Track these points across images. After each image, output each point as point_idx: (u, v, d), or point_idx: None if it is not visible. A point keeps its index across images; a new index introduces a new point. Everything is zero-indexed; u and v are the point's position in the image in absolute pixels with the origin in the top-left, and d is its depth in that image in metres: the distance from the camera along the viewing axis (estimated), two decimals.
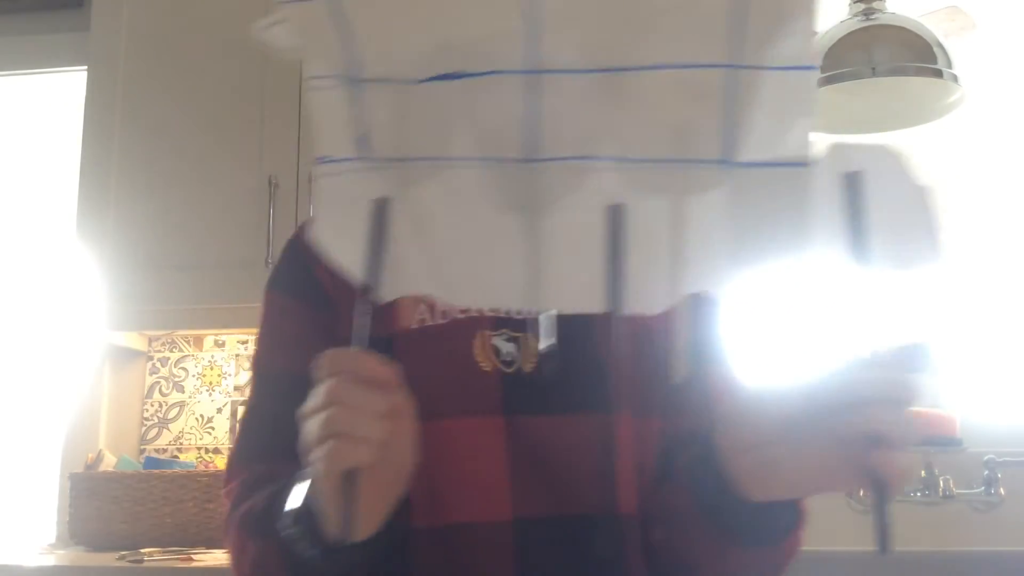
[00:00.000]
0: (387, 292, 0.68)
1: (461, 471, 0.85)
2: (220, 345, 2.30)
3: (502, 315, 0.91)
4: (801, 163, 0.64)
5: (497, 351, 0.89)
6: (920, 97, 1.71)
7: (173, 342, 2.32)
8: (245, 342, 2.29)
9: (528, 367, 0.89)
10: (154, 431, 2.29)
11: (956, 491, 1.74)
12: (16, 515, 2.39)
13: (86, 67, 2.16)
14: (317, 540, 0.73)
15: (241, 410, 2.24)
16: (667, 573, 0.88)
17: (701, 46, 0.63)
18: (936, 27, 1.65)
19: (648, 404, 0.90)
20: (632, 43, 0.64)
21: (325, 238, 0.69)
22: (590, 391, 0.88)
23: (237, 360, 2.29)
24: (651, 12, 0.64)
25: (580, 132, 0.66)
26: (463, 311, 0.90)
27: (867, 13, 1.66)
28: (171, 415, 2.29)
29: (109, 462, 2.08)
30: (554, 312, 0.79)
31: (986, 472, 1.75)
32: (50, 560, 1.84)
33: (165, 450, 2.27)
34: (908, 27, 1.64)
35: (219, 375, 2.29)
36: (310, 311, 0.94)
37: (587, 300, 0.66)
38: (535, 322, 0.89)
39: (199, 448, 2.25)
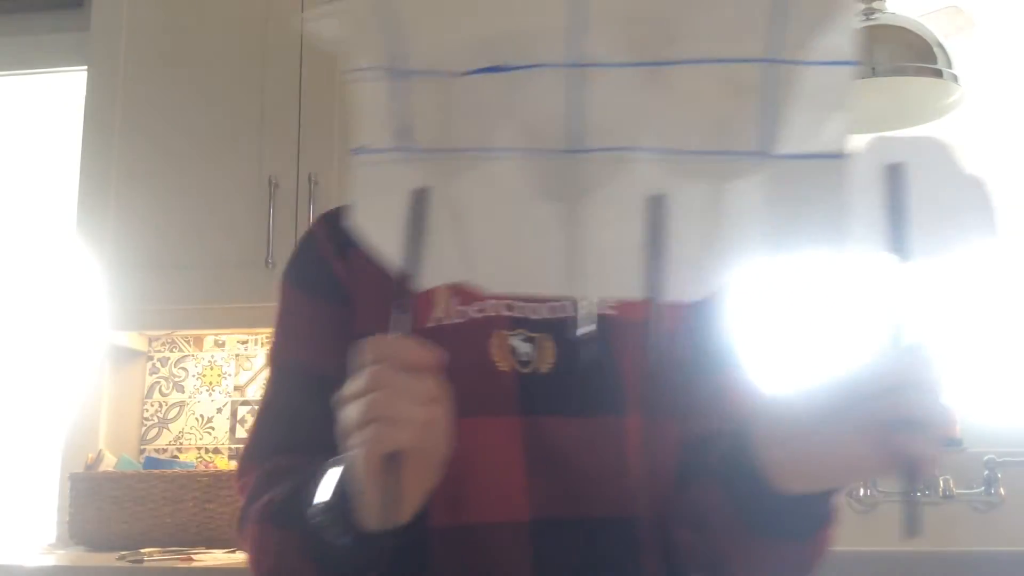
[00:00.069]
0: (426, 280, 0.69)
1: (478, 471, 0.85)
2: (220, 345, 2.30)
3: (519, 315, 0.91)
4: (838, 155, 0.65)
5: (514, 351, 0.89)
6: (920, 97, 1.71)
7: (173, 342, 2.32)
8: (245, 342, 2.29)
9: (545, 368, 0.89)
10: (154, 431, 2.29)
11: (956, 491, 1.74)
12: (16, 515, 2.39)
13: (86, 67, 2.16)
14: (349, 528, 0.73)
15: (241, 410, 2.25)
16: (691, 573, 0.89)
17: (742, 41, 0.65)
18: (936, 27, 1.65)
19: (663, 407, 0.90)
20: (674, 38, 0.66)
21: (364, 226, 0.70)
22: (606, 393, 0.89)
23: (237, 360, 2.29)
24: (693, 8, 0.65)
25: (622, 124, 0.67)
26: (480, 311, 0.90)
27: (867, 13, 1.66)
28: (171, 415, 2.29)
29: (109, 462, 2.08)
30: (595, 299, 0.80)
31: (986, 472, 1.75)
32: (50, 560, 1.84)
33: (165, 450, 2.27)
34: (908, 27, 1.64)
35: (219, 375, 2.29)
36: (326, 306, 0.94)
37: (626, 287, 0.68)
38: (560, 323, 0.89)
39: (199, 448, 2.25)
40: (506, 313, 0.91)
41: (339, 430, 0.70)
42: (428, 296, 0.89)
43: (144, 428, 2.29)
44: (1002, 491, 1.74)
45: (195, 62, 2.08)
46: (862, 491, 1.76)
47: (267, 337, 2.25)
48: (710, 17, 0.65)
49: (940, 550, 1.75)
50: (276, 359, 0.97)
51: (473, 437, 0.85)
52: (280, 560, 0.83)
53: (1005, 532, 1.77)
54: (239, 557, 1.78)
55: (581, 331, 0.85)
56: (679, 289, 0.67)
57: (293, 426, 0.89)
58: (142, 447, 2.28)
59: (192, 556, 1.78)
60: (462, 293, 0.91)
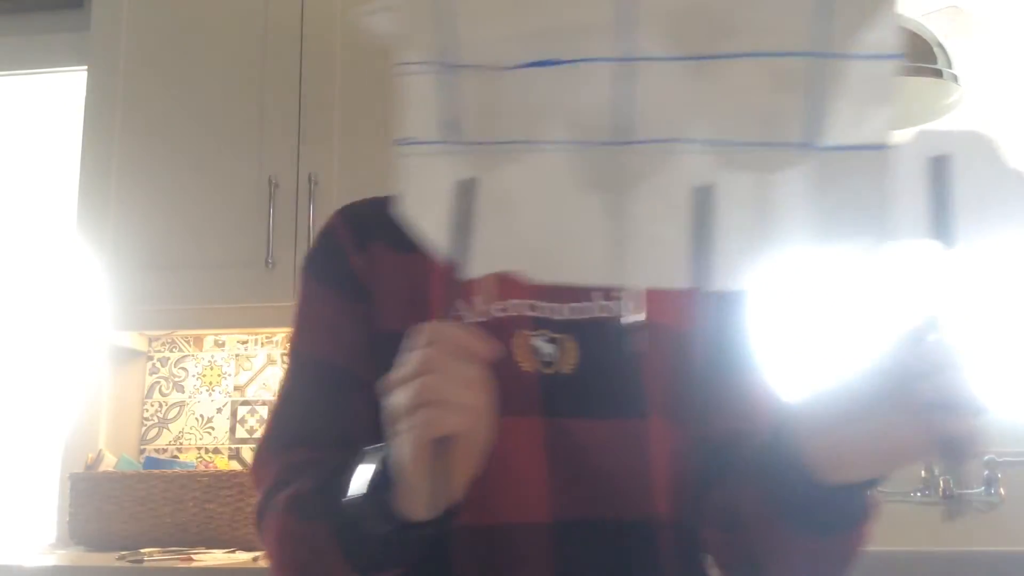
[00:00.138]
0: (474, 269, 0.70)
1: (500, 471, 0.84)
2: (220, 345, 2.30)
3: (541, 316, 0.91)
4: (882, 146, 0.66)
5: (536, 351, 0.89)
6: (920, 97, 1.71)
7: (173, 342, 2.32)
8: (245, 342, 2.29)
9: (567, 369, 0.89)
10: (154, 431, 2.29)
11: (956, 491, 1.74)
12: (16, 515, 2.39)
13: (86, 67, 2.16)
14: (390, 517, 0.72)
15: (241, 410, 2.25)
16: (719, 574, 0.89)
17: (788, 35, 0.66)
18: (936, 27, 1.65)
19: (684, 409, 0.90)
20: (722, 32, 0.67)
21: (412, 216, 0.71)
22: (628, 395, 0.89)
23: (237, 360, 2.29)
24: (740, 3, 0.67)
25: (669, 116, 0.68)
26: (502, 310, 0.90)
27: None
28: (171, 415, 2.29)
29: (109, 462, 2.08)
30: (642, 288, 0.80)
31: (986, 472, 1.75)
32: (50, 560, 1.84)
33: (165, 450, 2.27)
34: (908, 27, 1.64)
35: (219, 375, 2.29)
36: (344, 301, 0.94)
37: (672, 277, 0.69)
38: (582, 324, 0.89)
39: (199, 448, 2.25)
40: (528, 313, 0.90)
41: (385, 415, 0.69)
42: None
43: (144, 428, 2.29)
44: (1002, 491, 1.74)
45: (195, 62, 2.08)
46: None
47: (267, 337, 2.26)
48: (756, 12, 0.66)
49: (940, 550, 1.75)
50: (295, 351, 0.97)
51: (496, 437, 0.85)
52: (307, 552, 0.81)
53: (1005, 532, 1.77)
54: (239, 557, 1.79)
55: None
56: (724, 279, 0.68)
57: (310, 419, 0.89)
58: (142, 447, 2.28)
59: (192, 556, 1.78)
60: (485, 291, 0.91)
